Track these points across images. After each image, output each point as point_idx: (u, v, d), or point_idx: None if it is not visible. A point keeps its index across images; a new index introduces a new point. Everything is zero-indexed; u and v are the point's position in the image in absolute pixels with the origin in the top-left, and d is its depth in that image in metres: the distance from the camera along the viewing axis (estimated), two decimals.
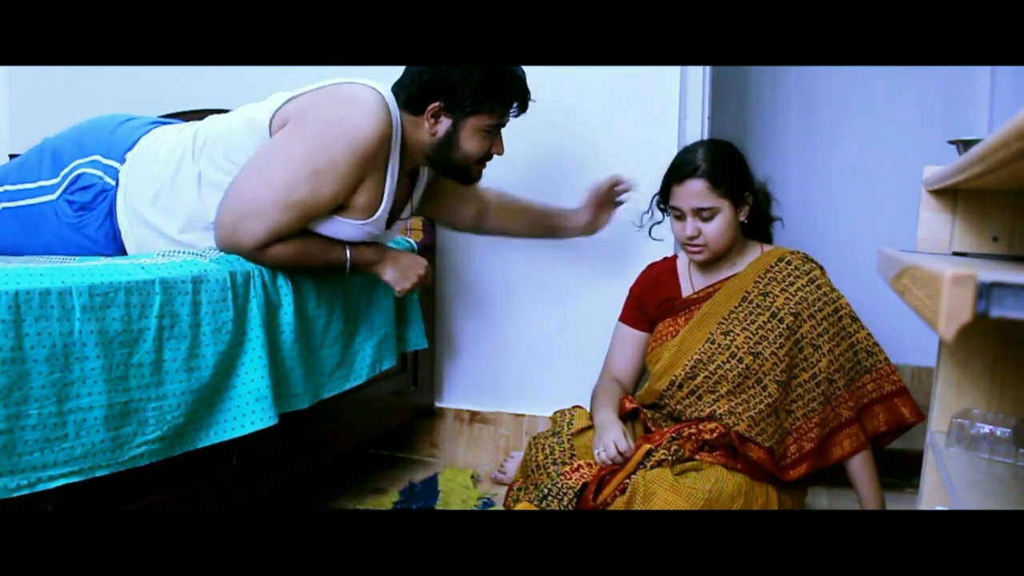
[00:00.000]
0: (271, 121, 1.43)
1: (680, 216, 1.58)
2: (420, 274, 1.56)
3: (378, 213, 1.49)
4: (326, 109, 1.41)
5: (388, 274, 1.54)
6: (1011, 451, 0.90)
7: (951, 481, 0.83)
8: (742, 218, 1.60)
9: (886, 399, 1.58)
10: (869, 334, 1.59)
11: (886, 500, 1.60)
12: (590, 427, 1.64)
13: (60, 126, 1.69)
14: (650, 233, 1.75)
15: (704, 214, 1.55)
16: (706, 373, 1.57)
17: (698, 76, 1.92)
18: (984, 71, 2.65)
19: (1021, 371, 1.01)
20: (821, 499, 1.81)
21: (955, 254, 1.11)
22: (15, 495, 0.97)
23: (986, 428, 0.92)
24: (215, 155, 1.44)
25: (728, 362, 1.55)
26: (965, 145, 1.13)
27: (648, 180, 1.81)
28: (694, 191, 1.55)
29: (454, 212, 1.80)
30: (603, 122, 1.94)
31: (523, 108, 1.54)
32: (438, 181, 1.72)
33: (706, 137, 1.94)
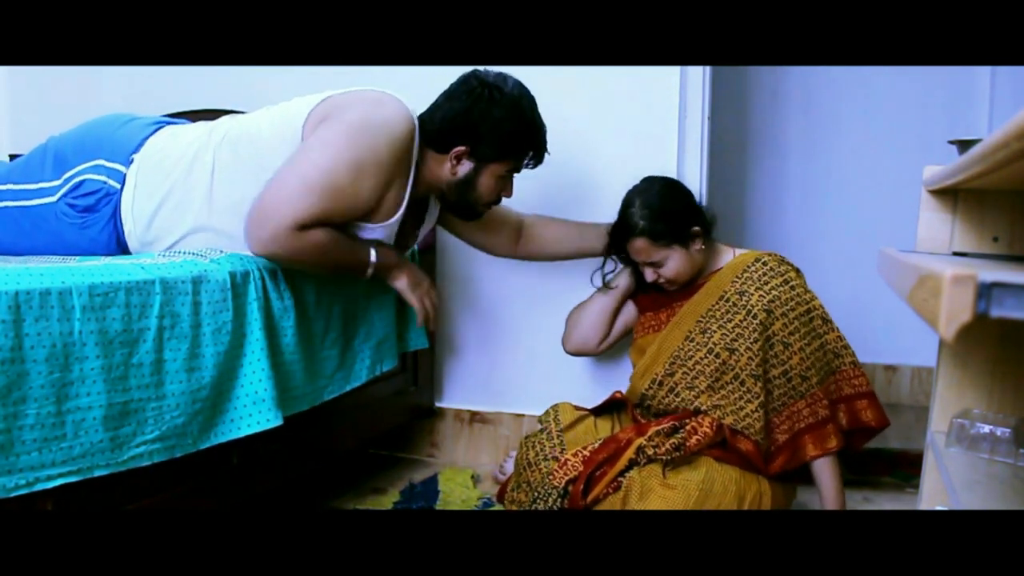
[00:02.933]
0: (305, 121, 1.43)
1: (640, 264, 1.68)
2: (427, 285, 1.59)
3: (392, 219, 1.50)
4: (362, 107, 1.43)
5: (402, 281, 1.55)
6: (1011, 451, 0.90)
7: (951, 481, 0.83)
8: (696, 248, 1.65)
9: (846, 400, 1.61)
10: (839, 336, 1.62)
11: (887, 500, 1.60)
12: (578, 420, 1.68)
13: (60, 126, 1.69)
14: (604, 282, 1.80)
15: (656, 264, 1.64)
16: (684, 369, 1.62)
17: (698, 76, 1.92)
18: (984, 71, 2.65)
19: (1021, 371, 1.01)
20: (816, 502, 1.80)
21: (955, 254, 1.11)
22: (13, 495, 0.97)
23: (986, 428, 0.92)
24: (239, 148, 1.44)
25: (706, 358, 1.59)
26: (965, 145, 1.13)
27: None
28: (639, 248, 1.64)
29: (487, 238, 1.83)
30: (603, 122, 1.94)
31: (539, 160, 1.59)
32: None
33: (706, 138, 1.94)
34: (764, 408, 1.54)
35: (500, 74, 1.53)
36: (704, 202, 1.97)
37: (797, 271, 1.66)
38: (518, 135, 1.52)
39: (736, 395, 1.55)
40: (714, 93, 2.00)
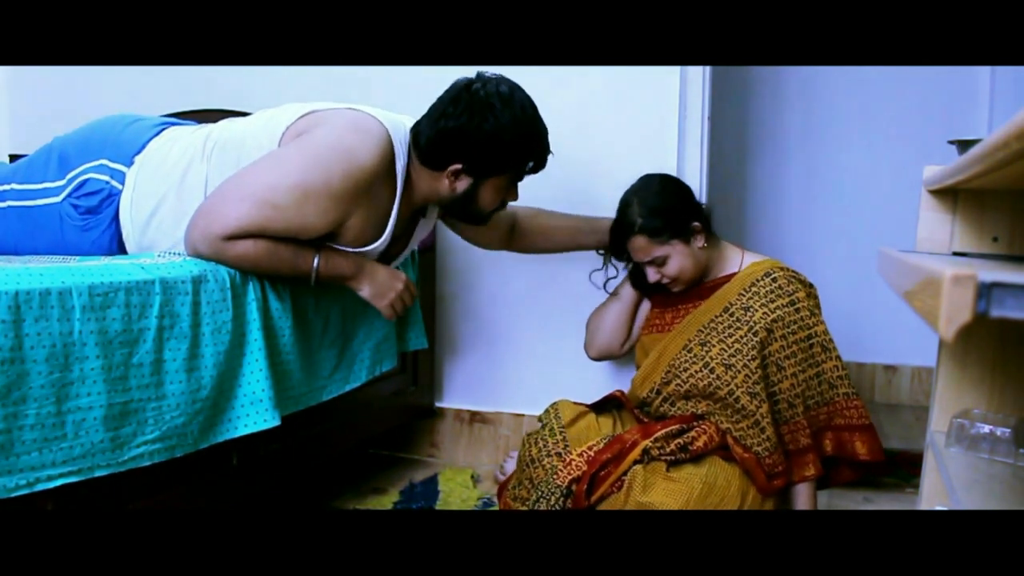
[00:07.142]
0: (283, 133, 1.42)
1: (643, 265, 1.66)
2: (399, 290, 1.51)
3: (374, 245, 1.48)
4: (334, 133, 1.39)
5: (365, 290, 1.48)
6: (1011, 451, 0.90)
7: (951, 481, 0.83)
8: (699, 245, 1.64)
9: (834, 429, 1.60)
10: (836, 366, 1.59)
11: (887, 500, 1.60)
12: (579, 417, 1.68)
13: (60, 126, 1.69)
14: (605, 287, 1.81)
15: (657, 262, 1.63)
16: (678, 381, 1.60)
17: (698, 76, 1.92)
18: (984, 71, 2.65)
19: (1021, 371, 1.01)
20: (821, 499, 1.81)
21: (955, 254, 1.11)
22: (14, 495, 0.97)
23: (986, 428, 0.92)
24: (226, 159, 1.43)
25: (700, 372, 1.57)
26: (965, 145, 1.13)
27: None
28: (638, 247, 1.63)
29: (481, 234, 1.79)
30: (603, 122, 1.94)
31: (541, 166, 1.54)
32: None
33: (706, 138, 1.94)
34: (757, 424, 1.51)
35: (494, 82, 1.45)
36: (704, 202, 1.97)
37: (808, 291, 1.61)
38: (516, 147, 1.46)
39: (730, 411, 1.53)
40: (714, 93, 2.00)
